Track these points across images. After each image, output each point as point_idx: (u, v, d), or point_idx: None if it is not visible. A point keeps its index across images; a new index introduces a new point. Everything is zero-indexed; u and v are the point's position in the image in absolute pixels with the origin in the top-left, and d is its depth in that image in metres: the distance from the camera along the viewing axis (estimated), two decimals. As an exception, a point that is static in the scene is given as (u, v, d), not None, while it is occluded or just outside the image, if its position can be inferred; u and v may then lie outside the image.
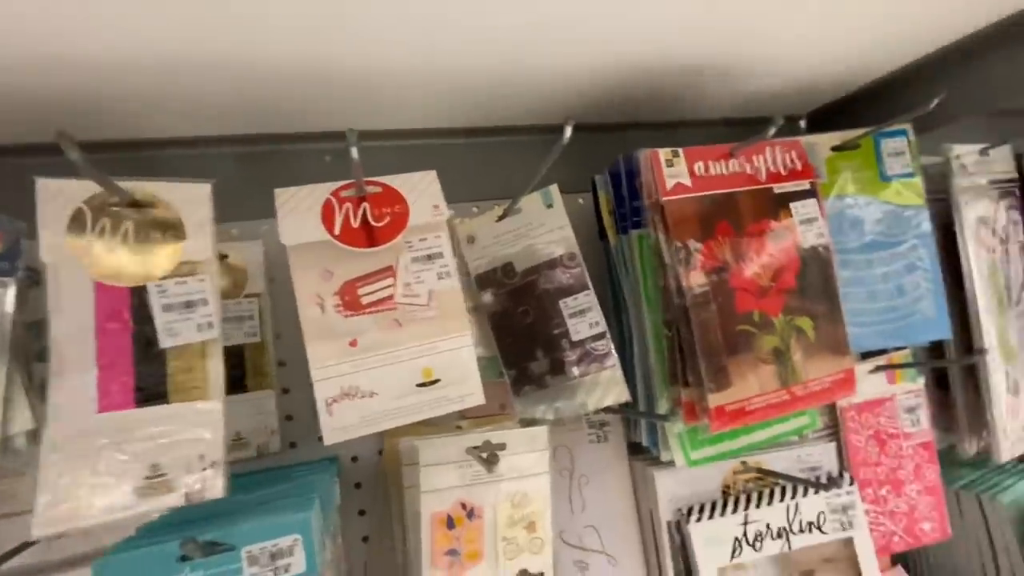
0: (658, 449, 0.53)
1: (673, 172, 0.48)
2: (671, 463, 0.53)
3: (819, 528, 0.52)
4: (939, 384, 0.76)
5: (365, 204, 0.39)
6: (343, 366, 0.38)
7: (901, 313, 0.63)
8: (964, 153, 0.72)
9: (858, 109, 0.74)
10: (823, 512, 0.52)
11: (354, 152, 0.34)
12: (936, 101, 0.52)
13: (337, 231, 0.38)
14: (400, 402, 0.39)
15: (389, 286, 0.40)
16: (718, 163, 0.50)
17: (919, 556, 0.77)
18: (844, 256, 0.62)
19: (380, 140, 0.62)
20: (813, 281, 0.51)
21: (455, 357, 0.40)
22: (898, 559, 0.77)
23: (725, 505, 0.52)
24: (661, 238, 0.47)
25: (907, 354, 0.66)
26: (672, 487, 0.53)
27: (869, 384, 0.63)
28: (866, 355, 0.67)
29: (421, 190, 0.41)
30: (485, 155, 0.65)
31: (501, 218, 0.57)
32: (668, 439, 0.51)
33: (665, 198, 0.47)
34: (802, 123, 0.81)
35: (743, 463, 0.55)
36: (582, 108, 0.63)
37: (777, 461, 0.55)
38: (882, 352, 0.67)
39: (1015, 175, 0.79)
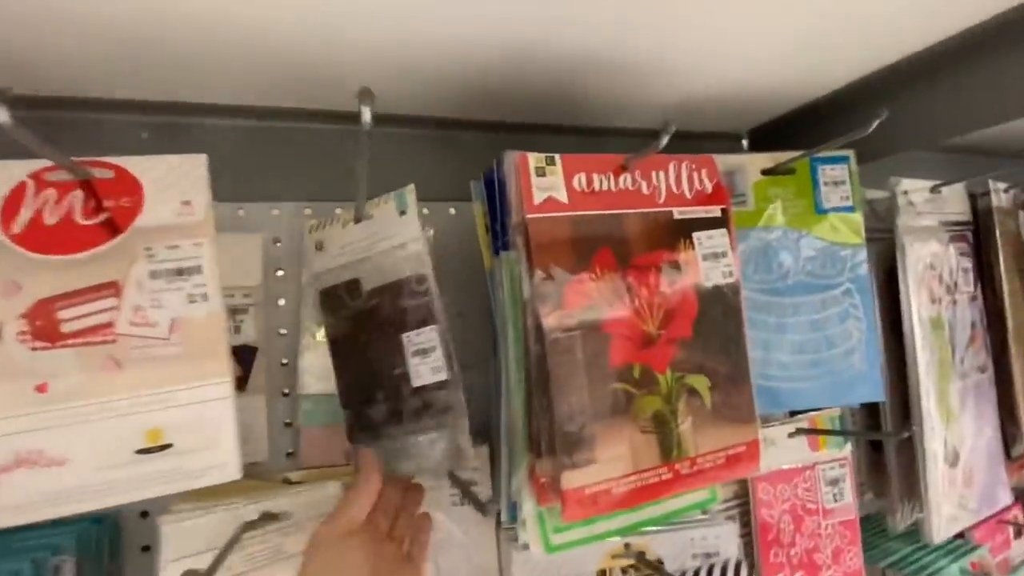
0: (517, 526, 0.42)
1: (545, 183, 0.38)
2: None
3: (705, 634, 0.42)
4: (873, 445, 0.68)
5: (77, 192, 0.28)
6: (20, 420, 0.27)
7: (829, 368, 0.54)
8: (913, 189, 0.64)
9: (808, 128, 0.66)
10: (711, 614, 0.43)
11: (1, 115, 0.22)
12: (876, 122, 0.43)
13: (18, 228, 0.27)
14: (106, 475, 0.28)
15: (109, 309, 0.28)
16: (605, 177, 0.40)
17: None
18: (767, 298, 0.53)
19: (231, 118, 0.51)
20: (714, 330, 0.41)
21: (202, 413, 0.29)
22: None
23: (594, 601, 0.41)
24: (523, 265, 0.37)
25: (834, 415, 0.57)
26: (532, 571, 0.43)
27: (787, 450, 0.54)
28: (792, 413, 0.59)
29: (173, 180, 0.30)
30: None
31: (356, 222, 0.46)
32: (525, 518, 0.40)
33: (530, 215, 0.37)
34: (744, 142, 0.72)
35: (626, 545, 0.45)
36: (477, 100, 0.52)
37: (665, 544, 0.45)
38: (808, 411, 0.58)
39: (969, 218, 0.71)
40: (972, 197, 0.71)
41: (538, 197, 0.37)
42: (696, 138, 0.68)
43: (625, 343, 0.38)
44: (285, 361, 0.50)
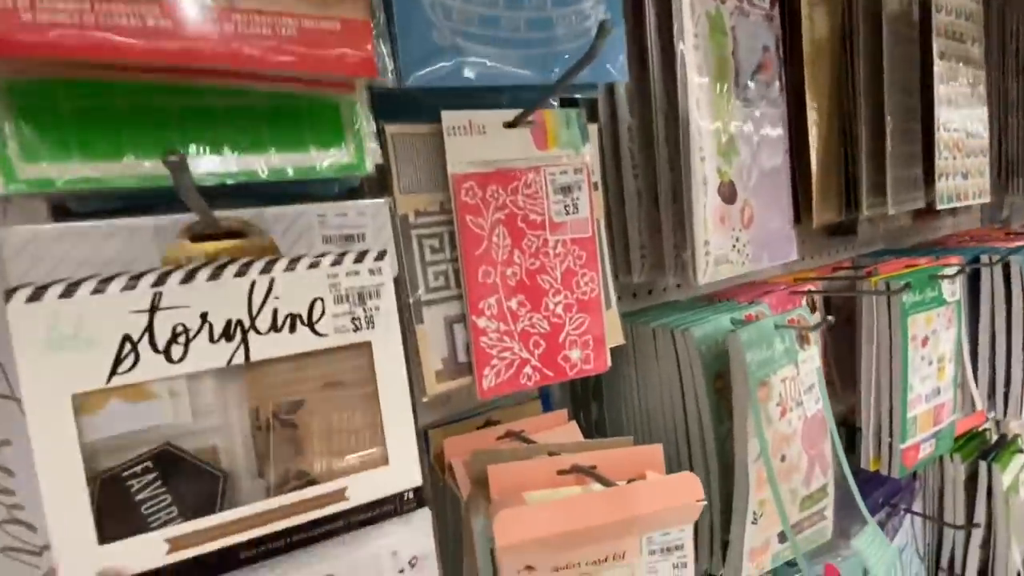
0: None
1: None
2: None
3: (311, 325, 0.29)
4: (654, 200, 0.57)
5: None
6: None
7: (559, 32, 0.40)
8: None
9: None
10: (321, 299, 0.29)
11: None
12: None
13: None
14: None
15: None
16: None
17: (613, 399, 0.60)
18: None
19: None
20: None
21: None
22: (580, 403, 0.61)
23: (110, 280, 0.26)
24: None
25: (571, 113, 0.44)
26: (36, 253, 0.27)
27: (504, 144, 0.40)
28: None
29: None
30: None
31: None
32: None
33: None
34: None
35: (208, 229, 0.30)
36: None
37: (281, 221, 0.31)
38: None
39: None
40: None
41: None
42: None
43: None
44: None
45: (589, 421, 0.61)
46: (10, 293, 0.24)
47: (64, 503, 0.24)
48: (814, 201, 0.60)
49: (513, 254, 0.40)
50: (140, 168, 0.27)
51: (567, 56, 0.40)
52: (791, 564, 0.58)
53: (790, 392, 0.51)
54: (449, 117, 0.38)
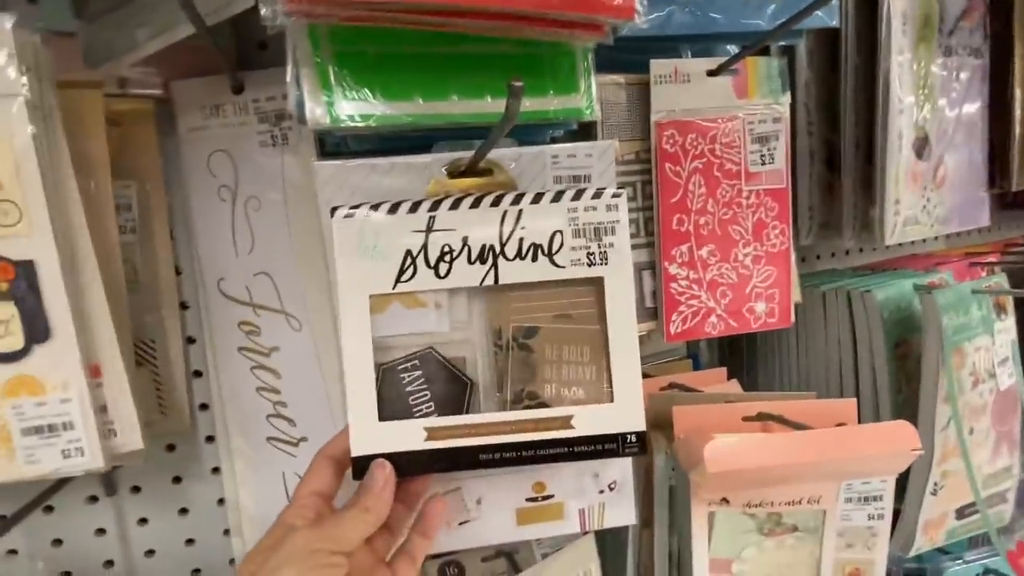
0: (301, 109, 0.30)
1: None
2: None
3: (550, 256, 0.31)
4: (829, 164, 0.55)
5: None
6: None
7: (768, -20, 0.39)
8: None
9: None
10: (561, 232, 0.31)
11: None
12: None
13: None
14: None
15: None
16: None
17: (767, 363, 0.59)
18: None
19: None
20: None
21: None
22: (728, 366, 0.60)
23: (399, 204, 0.30)
24: None
25: (771, 63, 0.43)
26: (337, 186, 0.32)
27: (705, 92, 0.40)
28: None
29: None
30: None
31: None
32: (300, 72, 0.28)
33: None
34: None
35: (463, 165, 0.33)
36: None
37: (519, 159, 0.34)
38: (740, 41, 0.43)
39: None
40: None
41: None
42: None
43: None
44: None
45: (740, 385, 0.60)
46: (333, 210, 0.29)
47: (358, 383, 0.29)
48: (1014, 162, 0.54)
49: (707, 203, 0.41)
50: (421, 108, 0.30)
51: (772, 5, 0.40)
52: (943, 551, 0.55)
53: (983, 363, 0.47)
54: (657, 65, 0.39)
